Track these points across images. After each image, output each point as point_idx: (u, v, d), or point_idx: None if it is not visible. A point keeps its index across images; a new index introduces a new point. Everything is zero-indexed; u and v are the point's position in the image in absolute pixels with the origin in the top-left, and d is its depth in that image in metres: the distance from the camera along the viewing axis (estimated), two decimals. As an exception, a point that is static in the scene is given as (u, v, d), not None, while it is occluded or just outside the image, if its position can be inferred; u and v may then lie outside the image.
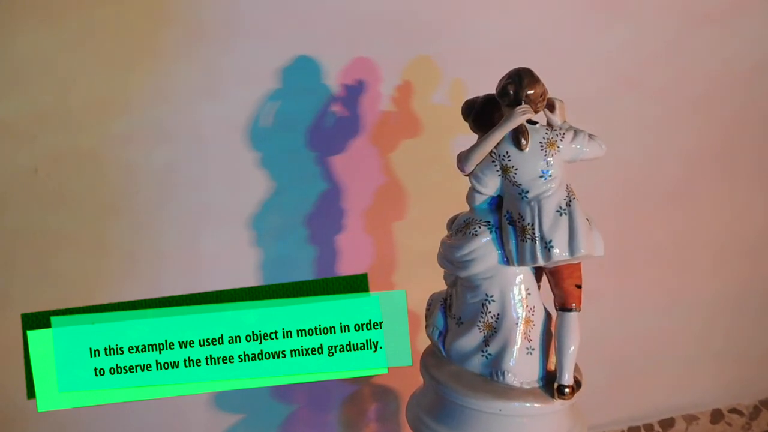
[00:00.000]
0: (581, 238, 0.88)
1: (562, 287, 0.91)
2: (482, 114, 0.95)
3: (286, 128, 1.25)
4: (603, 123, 1.37)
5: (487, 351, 0.94)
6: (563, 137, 0.90)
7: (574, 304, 0.91)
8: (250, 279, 1.28)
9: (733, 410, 1.71)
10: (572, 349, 0.90)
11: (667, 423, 1.66)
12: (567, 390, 0.90)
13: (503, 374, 0.92)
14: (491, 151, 0.90)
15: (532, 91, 0.88)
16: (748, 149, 1.60)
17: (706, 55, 1.50)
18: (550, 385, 0.93)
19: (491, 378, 0.93)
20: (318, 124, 1.26)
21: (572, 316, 0.91)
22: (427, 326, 1.02)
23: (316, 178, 1.29)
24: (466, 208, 0.98)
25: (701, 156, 1.55)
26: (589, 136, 0.91)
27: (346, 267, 1.34)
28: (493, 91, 0.93)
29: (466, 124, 0.98)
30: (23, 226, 1.14)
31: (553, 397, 0.91)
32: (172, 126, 1.18)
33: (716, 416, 1.69)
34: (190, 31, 1.16)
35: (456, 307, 0.98)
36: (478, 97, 0.97)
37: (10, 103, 1.10)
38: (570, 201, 0.90)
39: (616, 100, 1.44)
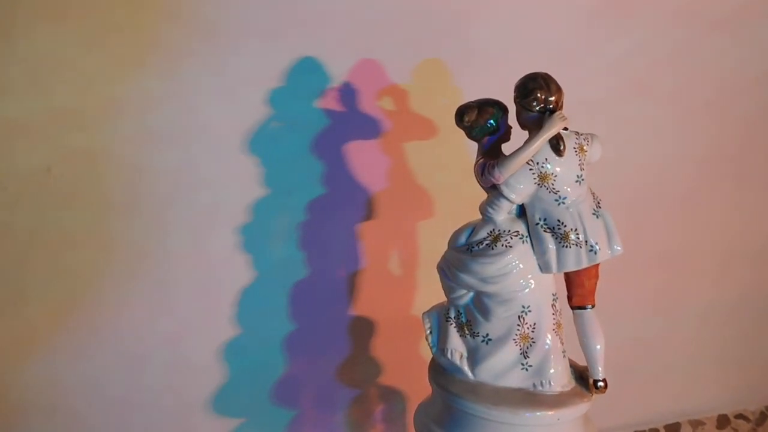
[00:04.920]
0: (617, 236, 0.91)
1: (586, 286, 0.93)
2: (485, 119, 0.94)
3: (295, 129, 1.25)
4: (612, 127, 1.38)
5: (527, 363, 0.92)
6: (588, 142, 0.91)
7: (590, 303, 0.93)
8: (257, 279, 1.29)
9: (739, 416, 1.70)
10: (600, 344, 0.92)
11: (673, 428, 1.65)
12: (601, 384, 0.93)
13: (549, 382, 0.91)
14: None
15: (555, 97, 0.89)
16: (756, 154, 1.60)
17: (715, 60, 1.50)
18: (580, 382, 0.94)
19: (534, 389, 0.92)
20: (326, 125, 1.27)
21: (593, 313, 0.93)
22: (443, 350, 0.96)
23: (324, 179, 1.29)
24: (476, 211, 0.97)
25: (709, 160, 1.55)
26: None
27: (357, 267, 1.35)
28: (492, 96, 0.94)
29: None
30: (36, 224, 1.15)
31: (590, 392, 0.93)
32: (182, 126, 1.19)
33: (722, 422, 1.69)
34: (201, 33, 1.17)
35: (479, 325, 0.94)
36: (471, 103, 0.95)
37: (24, 103, 1.11)
38: (599, 202, 0.92)
39: (626, 105, 1.45)
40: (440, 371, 0.98)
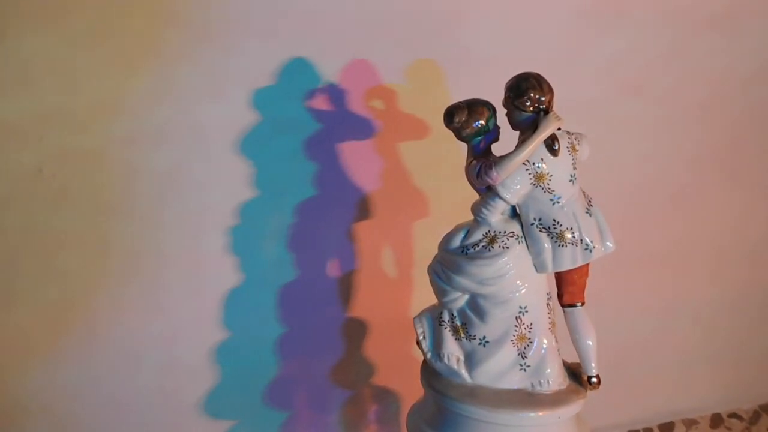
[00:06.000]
0: (609, 233, 0.92)
1: (578, 284, 0.94)
2: (475, 120, 0.93)
3: (288, 130, 1.25)
4: (605, 127, 1.38)
5: (525, 363, 0.92)
6: (578, 141, 0.92)
7: (580, 300, 0.94)
8: (250, 280, 1.29)
9: (732, 415, 1.71)
10: (592, 340, 0.94)
11: (667, 427, 1.66)
12: (595, 379, 0.94)
13: (547, 381, 0.92)
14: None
15: (547, 97, 0.89)
16: (749, 154, 1.60)
17: (708, 60, 1.50)
18: (573, 379, 0.95)
19: (533, 389, 0.92)
20: (318, 126, 1.27)
21: (583, 310, 0.94)
22: (439, 355, 0.95)
23: (318, 180, 1.29)
24: (469, 212, 0.97)
25: (703, 160, 1.56)
26: None
27: (350, 268, 1.35)
28: (484, 96, 0.94)
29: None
30: (27, 225, 1.15)
31: (584, 389, 0.94)
32: (174, 127, 1.19)
33: (716, 420, 1.69)
34: (193, 34, 1.17)
35: (475, 327, 0.93)
36: (460, 103, 0.95)
37: (15, 103, 1.11)
38: (591, 200, 0.93)
39: (619, 105, 1.45)
40: (435, 376, 0.96)
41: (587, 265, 0.93)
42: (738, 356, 1.69)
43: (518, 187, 0.90)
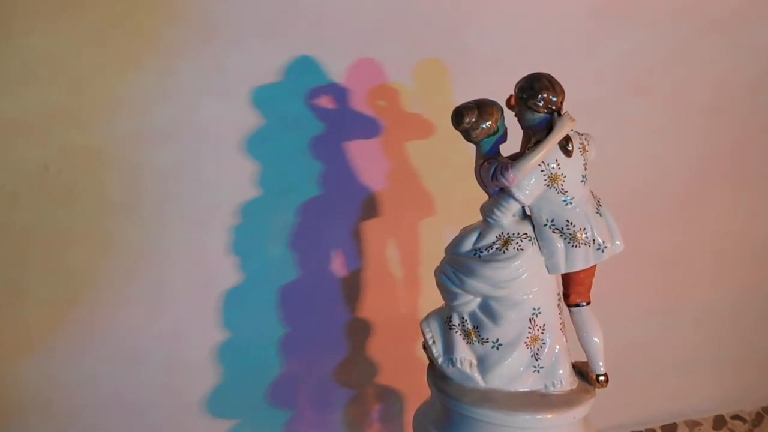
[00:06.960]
0: (618, 233, 0.92)
1: (585, 283, 0.94)
2: (484, 120, 0.91)
3: (292, 128, 1.25)
4: (610, 129, 1.38)
5: (539, 365, 0.92)
6: (588, 141, 0.92)
7: (586, 299, 0.95)
8: (254, 279, 1.29)
9: (735, 416, 1.70)
10: (599, 338, 0.94)
11: (670, 428, 1.65)
12: (603, 378, 0.95)
13: (561, 382, 0.92)
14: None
15: (559, 97, 0.89)
16: (753, 156, 1.60)
17: (713, 62, 1.50)
18: (581, 378, 0.95)
19: (546, 390, 0.92)
20: (324, 125, 1.27)
21: (589, 310, 0.95)
22: (452, 360, 0.94)
23: (323, 178, 1.29)
24: (475, 212, 0.96)
25: (707, 161, 1.56)
26: None
27: (355, 267, 1.35)
28: (491, 96, 0.94)
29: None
30: (34, 222, 1.15)
31: (593, 387, 0.94)
32: (179, 125, 1.19)
33: (719, 422, 1.69)
34: (198, 31, 1.17)
35: (488, 330, 0.92)
36: (468, 103, 0.93)
37: (22, 101, 1.11)
38: (599, 201, 0.93)
39: (624, 107, 1.45)
40: (445, 380, 0.95)
41: (595, 264, 0.93)
42: (741, 358, 1.69)
43: (533, 188, 0.89)
